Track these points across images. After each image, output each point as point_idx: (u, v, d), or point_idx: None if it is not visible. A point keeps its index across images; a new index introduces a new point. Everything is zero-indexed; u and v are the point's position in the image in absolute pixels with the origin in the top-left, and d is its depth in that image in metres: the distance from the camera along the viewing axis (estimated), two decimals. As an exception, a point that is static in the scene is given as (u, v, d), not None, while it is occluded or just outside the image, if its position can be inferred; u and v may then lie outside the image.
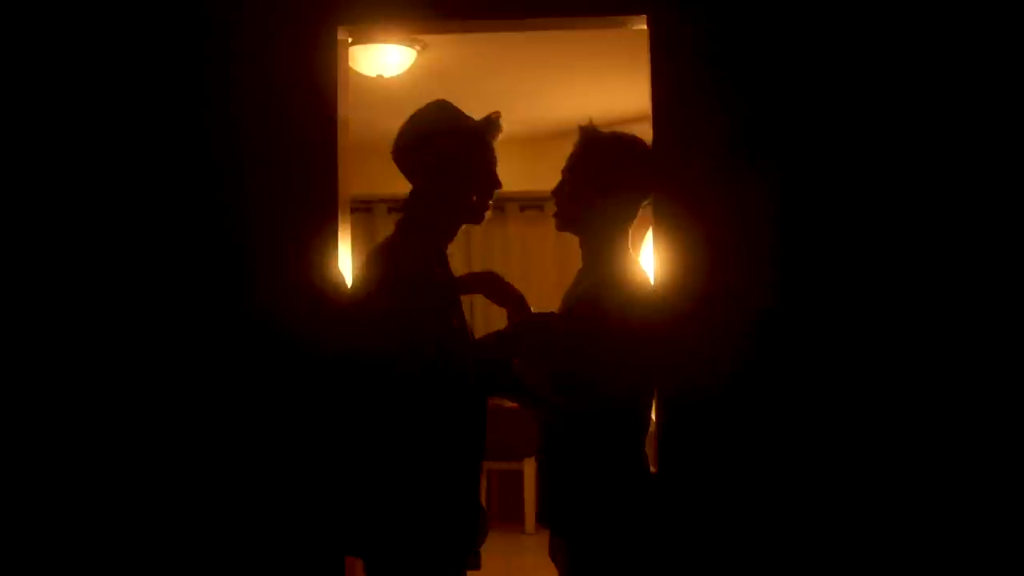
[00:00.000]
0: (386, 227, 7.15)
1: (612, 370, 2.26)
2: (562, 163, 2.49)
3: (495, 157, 2.45)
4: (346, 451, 2.35)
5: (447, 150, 2.40)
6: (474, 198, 2.43)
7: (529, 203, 6.89)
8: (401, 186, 2.47)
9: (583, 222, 2.46)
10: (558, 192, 2.48)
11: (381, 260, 2.33)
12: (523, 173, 5.22)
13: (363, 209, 7.03)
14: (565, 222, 2.49)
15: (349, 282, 2.43)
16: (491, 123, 2.44)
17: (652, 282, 2.36)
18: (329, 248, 2.38)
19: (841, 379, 2.20)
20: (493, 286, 2.54)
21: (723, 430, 2.23)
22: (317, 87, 2.41)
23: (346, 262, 2.44)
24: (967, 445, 2.14)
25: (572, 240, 2.53)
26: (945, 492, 2.15)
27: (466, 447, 2.37)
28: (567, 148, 2.48)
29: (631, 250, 2.44)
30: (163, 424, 2.34)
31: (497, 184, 2.45)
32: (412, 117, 2.49)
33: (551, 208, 2.55)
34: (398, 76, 4.30)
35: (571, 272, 2.60)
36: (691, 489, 2.24)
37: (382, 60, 4.09)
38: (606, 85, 4.75)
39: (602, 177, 2.38)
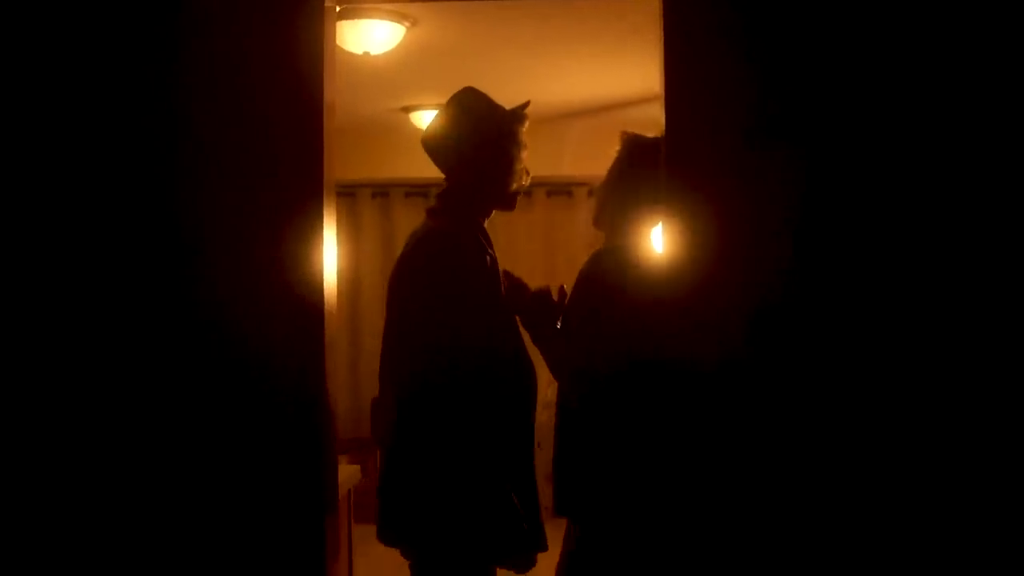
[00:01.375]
0: (370, 212, 7.05)
1: (608, 338, 2.32)
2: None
3: (525, 144, 2.54)
4: (409, 443, 2.38)
5: (481, 139, 2.48)
6: (507, 186, 2.52)
7: (555, 189, 6.74)
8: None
9: (619, 223, 2.52)
10: (601, 195, 2.59)
11: (448, 251, 2.42)
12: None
13: (347, 194, 6.88)
14: (602, 223, 2.57)
15: (334, 268, 2.31)
16: (521, 112, 2.54)
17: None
18: (315, 235, 2.21)
19: (848, 370, 2.04)
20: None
21: (725, 417, 2.08)
22: (302, 61, 2.23)
23: (331, 249, 2.28)
24: (971, 448, 2.01)
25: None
26: (945, 492, 2.01)
27: (521, 438, 2.45)
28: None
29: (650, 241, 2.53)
30: (151, 418, 2.18)
31: (527, 171, 2.55)
32: (444, 106, 2.55)
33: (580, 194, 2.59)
34: (386, 54, 4.11)
35: None
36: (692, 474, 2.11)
37: (369, 36, 3.91)
38: (609, 64, 4.58)
39: (648, 184, 2.38)
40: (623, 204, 2.52)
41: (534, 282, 2.63)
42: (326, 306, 2.23)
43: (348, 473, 3.03)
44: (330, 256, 2.27)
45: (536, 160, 2.66)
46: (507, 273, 2.56)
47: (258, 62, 2.22)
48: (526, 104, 2.57)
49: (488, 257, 2.49)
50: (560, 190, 6.76)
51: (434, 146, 2.56)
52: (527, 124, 2.57)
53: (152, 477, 2.17)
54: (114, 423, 2.17)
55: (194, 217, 2.20)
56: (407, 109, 5.45)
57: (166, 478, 2.17)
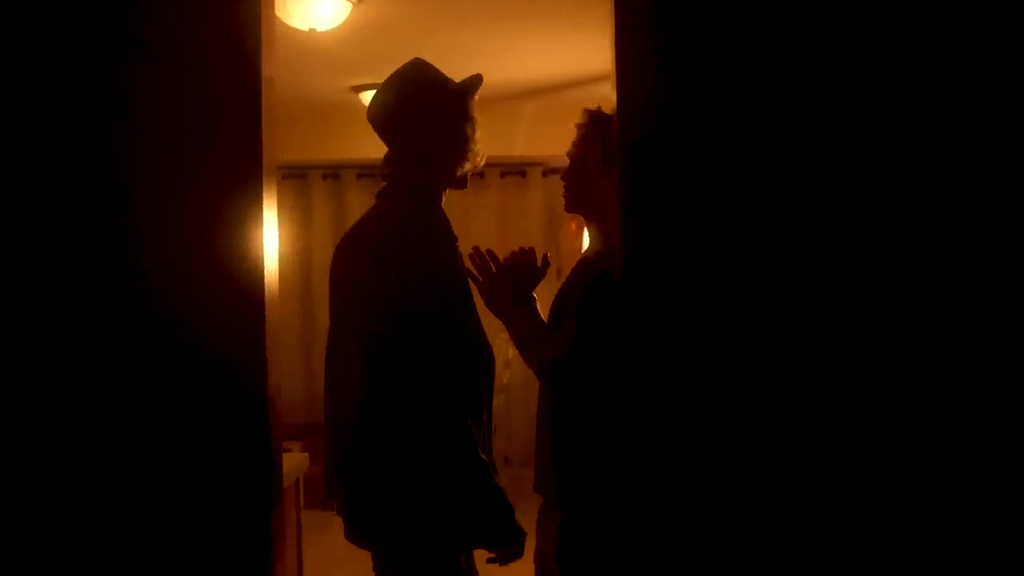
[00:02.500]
0: (321, 194, 6.94)
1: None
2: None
3: (476, 120, 2.44)
4: (371, 430, 2.31)
5: (430, 113, 2.37)
6: (459, 162, 2.41)
7: (509, 169, 6.66)
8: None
9: (593, 203, 2.47)
10: (568, 175, 2.50)
11: (414, 235, 2.32)
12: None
13: (297, 175, 6.79)
14: (575, 203, 2.51)
15: (275, 253, 2.19)
16: (473, 85, 2.42)
17: None
18: (253, 217, 2.10)
19: (826, 359, 1.96)
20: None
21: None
22: (237, 33, 2.10)
23: (272, 232, 2.18)
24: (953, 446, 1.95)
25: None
26: (931, 489, 1.94)
27: (483, 420, 2.37)
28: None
29: None
30: (81, 413, 2.06)
31: (479, 149, 2.46)
32: (390, 79, 2.43)
33: (491, 172, 2.56)
34: (332, 30, 4.01)
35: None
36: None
37: (314, 12, 3.80)
38: (562, 42, 4.52)
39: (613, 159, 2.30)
40: (598, 182, 2.44)
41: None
42: (267, 292, 2.12)
43: (297, 461, 2.95)
44: (271, 240, 2.17)
45: (489, 140, 2.57)
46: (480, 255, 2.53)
47: (190, 33, 2.09)
48: (478, 76, 2.45)
49: (454, 241, 2.41)
50: (514, 170, 6.72)
51: (380, 121, 2.44)
52: (477, 97, 2.46)
53: (86, 473, 2.06)
54: (41, 415, 2.06)
55: (124, 198, 2.08)
56: (358, 89, 5.35)
57: (100, 474, 2.06)
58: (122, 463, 2.06)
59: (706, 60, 2.02)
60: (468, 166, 2.45)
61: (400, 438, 2.30)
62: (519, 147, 6.05)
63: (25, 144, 2.07)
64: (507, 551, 2.35)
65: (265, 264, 2.12)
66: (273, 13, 2.27)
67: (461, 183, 2.49)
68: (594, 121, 2.49)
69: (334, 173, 6.73)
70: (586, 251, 2.62)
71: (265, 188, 2.14)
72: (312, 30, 3.89)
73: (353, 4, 3.88)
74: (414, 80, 2.43)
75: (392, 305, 2.33)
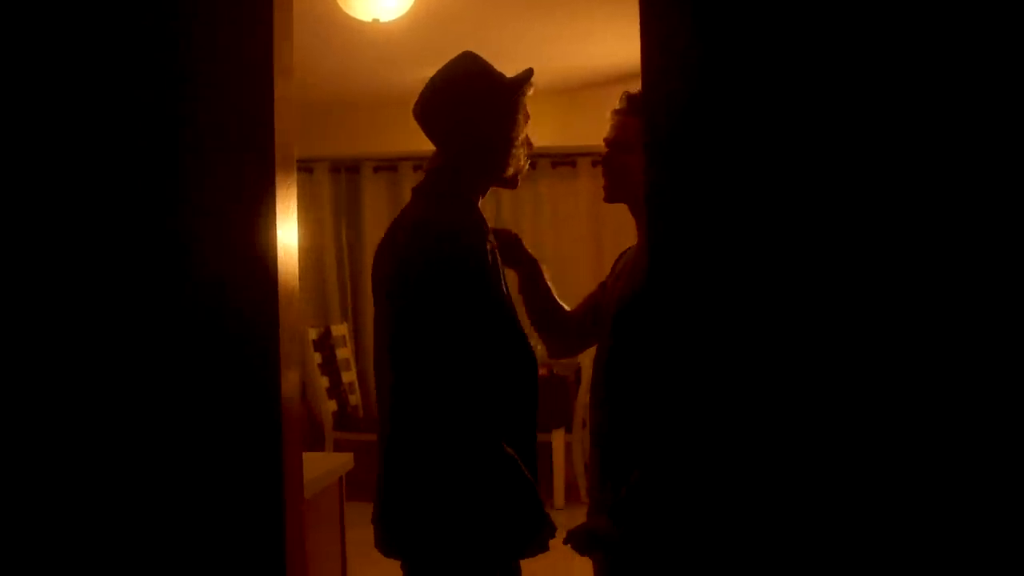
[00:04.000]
0: (330, 186, 6.96)
1: None
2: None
3: (528, 116, 2.33)
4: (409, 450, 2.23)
5: (473, 109, 2.27)
6: (505, 162, 2.31)
7: (560, 159, 6.57)
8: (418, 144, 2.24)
9: (633, 191, 2.27)
10: (607, 162, 2.36)
11: (435, 237, 2.22)
12: (547, 128, 4.91)
13: (304, 169, 6.94)
14: (615, 192, 2.37)
15: (294, 247, 2.14)
16: (525, 79, 2.30)
17: None
18: (264, 212, 2.04)
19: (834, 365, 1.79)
20: (511, 247, 2.47)
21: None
22: (249, 23, 2.06)
23: (289, 227, 2.13)
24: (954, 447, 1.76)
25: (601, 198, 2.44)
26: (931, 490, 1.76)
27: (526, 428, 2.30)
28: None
29: None
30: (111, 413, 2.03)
31: (530, 145, 2.34)
32: (438, 73, 2.34)
33: (584, 165, 2.43)
34: (396, 21, 3.95)
35: (606, 232, 2.49)
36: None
37: (377, 3, 3.75)
38: (632, 30, 4.36)
39: None
40: (639, 169, 2.32)
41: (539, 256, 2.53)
42: (281, 287, 2.07)
43: (341, 461, 2.92)
44: (286, 234, 2.12)
45: (568, 130, 2.48)
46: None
47: (205, 21, 2.05)
48: (529, 72, 2.33)
49: (490, 245, 2.29)
50: (564, 161, 6.58)
51: (426, 117, 2.36)
52: (530, 93, 2.34)
53: (94, 475, 2.04)
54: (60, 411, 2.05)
55: (141, 192, 2.06)
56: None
57: (110, 473, 2.04)
58: (132, 463, 2.04)
59: (736, 47, 1.86)
60: (513, 166, 2.35)
61: (428, 452, 2.23)
62: (572, 137, 5.88)
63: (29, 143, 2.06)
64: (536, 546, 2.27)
65: (280, 258, 2.06)
66: (290, 3, 2.21)
67: (510, 183, 2.39)
68: (634, 105, 2.34)
69: (419, 165, 6.75)
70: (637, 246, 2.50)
71: (279, 181, 2.08)
72: (375, 20, 3.84)
73: (417, -7, 3.83)
74: (459, 74, 2.33)
75: (412, 311, 2.25)
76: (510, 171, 2.34)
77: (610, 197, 2.40)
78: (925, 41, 1.75)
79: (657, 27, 1.93)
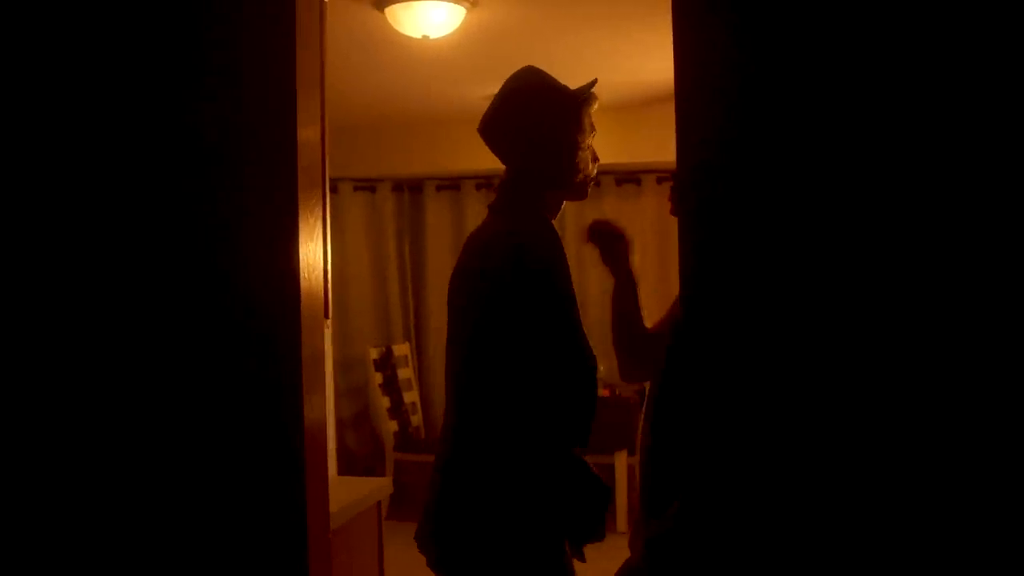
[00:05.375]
0: (474, 204, 6.92)
1: None
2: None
3: (593, 128, 2.31)
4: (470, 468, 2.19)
5: (538, 124, 2.26)
6: (573, 175, 2.28)
7: (624, 177, 6.46)
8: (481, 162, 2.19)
9: None
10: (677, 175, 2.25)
11: (502, 252, 2.19)
12: (609, 144, 4.82)
13: (366, 188, 7.02)
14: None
15: (320, 269, 2.07)
16: (589, 92, 2.27)
17: None
18: (285, 231, 1.98)
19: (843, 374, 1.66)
20: (614, 244, 2.43)
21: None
22: (274, 41, 2.01)
23: (315, 247, 2.07)
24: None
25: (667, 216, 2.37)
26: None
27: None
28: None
29: None
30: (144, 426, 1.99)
31: (596, 158, 2.32)
32: (502, 89, 2.33)
33: (649, 182, 2.37)
34: (446, 37, 3.90)
35: (671, 250, 2.45)
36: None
37: (427, 19, 3.69)
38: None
39: None
40: None
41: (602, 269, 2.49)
42: (304, 309, 2.01)
43: (379, 485, 2.86)
44: (313, 254, 2.06)
45: (631, 147, 2.41)
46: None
47: (226, 32, 2.01)
48: (593, 83, 2.29)
49: (562, 261, 2.24)
50: (629, 178, 6.46)
51: (491, 133, 2.33)
52: (595, 105, 2.30)
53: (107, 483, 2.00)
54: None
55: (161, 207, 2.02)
56: (490, 98, 5.22)
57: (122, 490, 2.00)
58: (151, 490, 1.99)
59: (772, 63, 1.74)
60: (581, 172, 2.30)
61: (493, 468, 2.16)
62: (637, 154, 5.77)
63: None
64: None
65: (304, 278, 2.00)
66: (318, 17, 2.16)
67: (579, 191, 2.34)
68: None
69: (486, 183, 6.69)
70: None
71: (302, 199, 2.02)
72: (425, 37, 3.79)
73: (467, 9, 3.75)
74: (521, 88, 2.31)
75: (484, 328, 2.20)
76: (579, 177, 2.30)
77: (676, 211, 2.34)
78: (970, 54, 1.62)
79: (690, 44, 1.83)
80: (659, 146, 6.02)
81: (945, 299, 1.61)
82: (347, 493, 2.62)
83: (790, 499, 1.67)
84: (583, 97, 2.27)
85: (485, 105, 2.37)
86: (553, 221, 2.32)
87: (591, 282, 6.09)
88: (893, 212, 1.64)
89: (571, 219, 6.24)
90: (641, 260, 6.49)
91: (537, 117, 2.27)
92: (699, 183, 1.76)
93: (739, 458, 1.71)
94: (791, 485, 1.67)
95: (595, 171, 2.34)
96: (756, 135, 1.73)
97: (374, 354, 6.41)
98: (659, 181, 6.39)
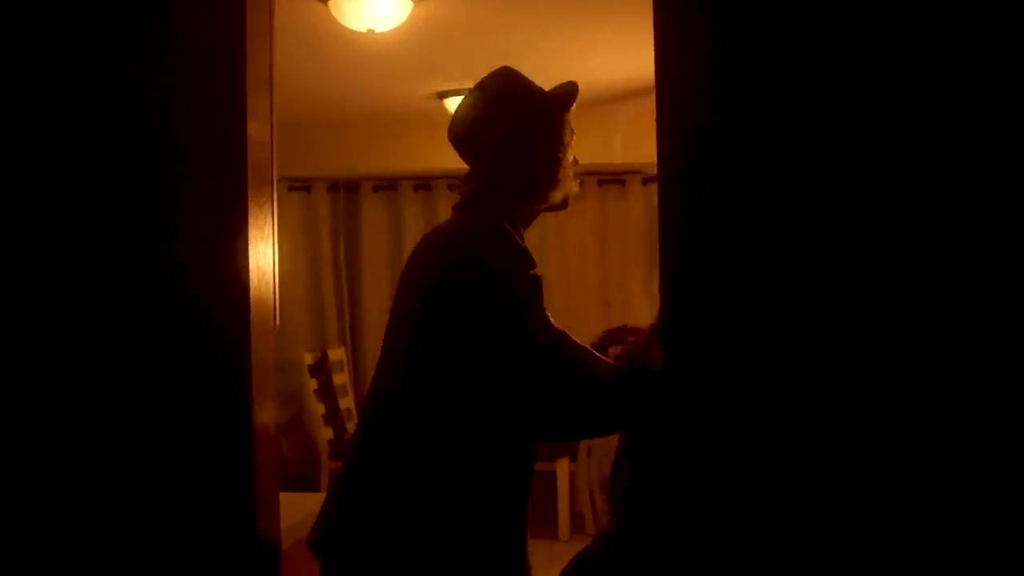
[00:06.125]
0: (412, 206, 6.78)
1: None
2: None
3: (573, 133, 2.14)
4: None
5: (516, 130, 2.09)
6: (551, 185, 2.11)
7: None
8: (429, 161, 2.04)
9: None
10: None
11: (493, 260, 2.01)
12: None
13: (302, 188, 6.75)
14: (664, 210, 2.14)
15: (268, 273, 1.95)
16: (569, 95, 2.12)
17: None
18: (234, 234, 1.85)
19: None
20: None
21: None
22: (223, 33, 1.88)
23: (264, 251, 1.94)
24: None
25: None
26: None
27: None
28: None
29: None
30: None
31: (575, 162, 2.15)
32: (473, 90, 2.14)
33: (589, 181, 2.30)
34: (393, 31, 3.77)
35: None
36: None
37: (372, 12, 3.56)
38: (641, 44, 4.16)
39: None
40: None
41: (585, 274, 2.31)
42: (254, 316, 1.88)
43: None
44: (264, 256, 1.93)
45: (585, 148, 2.27)
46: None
47: (175, 29, 1.88)
48: (574, 86, 2.13)
49: (526, 283, 2.05)
50: (612, 179, 6.39)
51: (462, 138, 2.15)
52: (573, 108, 2.15)
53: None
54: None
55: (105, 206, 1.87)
56: (442, 95, 5.11)
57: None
58: (100, 497, 1.84)
59: (755, 58, 1.66)
60: (563, 189, 2.14)
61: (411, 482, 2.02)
62: (616, 154, 5.73)
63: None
64: None
65: (253, 282, 1.87)
66: (269, 9, 2.03)
67: (561, 206, 2.19)
68: None
69: (424, 184, 6.56)
70: None
71: (251, 199, 1.89)
72: (370, 31, 3.66)
73: (414, 2, 3.63)
74: (497, 91, 2.13)
75: (433, 333, 2.05)
76: (559, 195, 2.15)
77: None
78: (963, 47, 1.56)
79: (672, 38, 1.73)
80: (601, 147, 6.03)
81: (933, 295, 1.55)
82: (295, 510, 2.48)
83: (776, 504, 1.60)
84: (563, 101, 2.13)
85: (428, 103, 2.25)
86: (526, 231, 2.17)
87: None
88: (879, 209, 1.57)
89: (551, 222, 6.11)
90: (622, 259, 6.36)
91: (516, 123, 2.10)
92: (683, 183, 1.67)
93: (732, 463, 1.62)
94: (781, 490, 1.60)
95: (578, 182, 2.18)
96: (741, 132, 1.64)
97: (309, 359, 6.24)
98: (644, 182, 6.28)
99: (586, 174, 6.46)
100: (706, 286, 1.65)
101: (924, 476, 1.55)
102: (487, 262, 2.02)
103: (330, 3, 3.60)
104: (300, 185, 6.72)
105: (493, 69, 2.17)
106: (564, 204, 2.18)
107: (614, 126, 5.60)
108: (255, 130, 1.91)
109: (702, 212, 1.65)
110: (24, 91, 1.87)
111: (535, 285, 2.04)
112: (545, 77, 2.17)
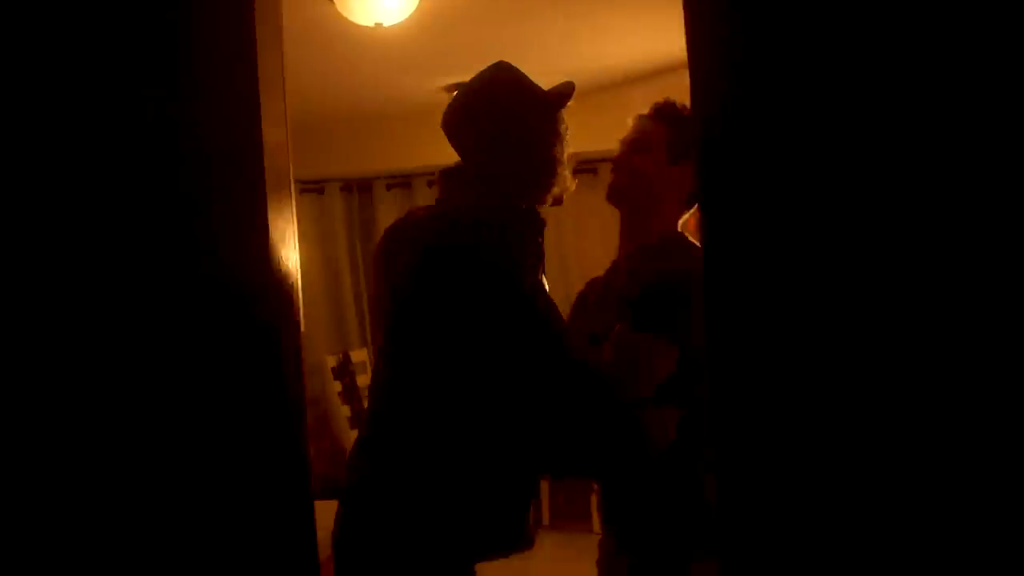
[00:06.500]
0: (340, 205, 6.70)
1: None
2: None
3: (566, 136, 2.15)
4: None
5: (520, 126, 2.08)
6: (544, 184, 2.12)
7: (581, 167, 6.31)
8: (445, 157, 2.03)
9: (642, 194, 2.24)
10: (618, 162, 2.28)
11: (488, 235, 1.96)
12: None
13: (315, 190, 6.68)
14: (620, 195, 2.27)
15: (290, 271, 1.90)
16: (564, 94, 2.12)
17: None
18: (254, 233, 1.80)
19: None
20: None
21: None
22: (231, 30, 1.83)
23: (288, 250, 1.90)
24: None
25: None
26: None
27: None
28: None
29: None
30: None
31: (568, 172, 2.16)
32: (469, 84, 2.14)
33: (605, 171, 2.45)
34: (400, 25, 3.71)
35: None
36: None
37: (379, 5, 3.51)
38: (652, 25, 4.10)
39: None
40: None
41: (602, 259, 2.42)
42: (283, 322, 1.84)
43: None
44: (287, 260, 1.89)
45: (601, 133, 2.33)
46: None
47: (183, 31, 1.83)
48: (571, 86, 2.12)
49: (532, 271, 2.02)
50: (584, 168, 6.30)
51: (455, 133, 2.14)
52: (567, 105, 2.15)
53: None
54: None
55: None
56: (451, 89, 5.05)
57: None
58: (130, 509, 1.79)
59: (787, 36, 1.59)
60: (560, 186, 2.14)
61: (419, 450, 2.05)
62: (591, 142, 5.65)
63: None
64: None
65: (273, 283, 1.83)
66: (278, 9, 1.98)
67: (556, 202, 2.18)
68: (659, 111, 2.26)
69: (404, 182, 6.55)
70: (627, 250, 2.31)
71: (270, 201, 1.84)
72: (378, 25, 3.60)
73: (421, -5, 3.58)
74: (494, 88, 2.11)
75: (416, 310, 2.07)
76: (556, 192, 2.14)
77: (614, 197, 2.27)
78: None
79: (704, 20, 1.67)
80: (614, 134, 5.95)
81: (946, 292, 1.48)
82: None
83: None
84: (561, 100, 2.12)
85: (438, 97, 2.24)
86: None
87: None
88: (924, 203, 1.50)
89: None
90: (598, 250, 6.32)
91: (513, 121, 2.09)
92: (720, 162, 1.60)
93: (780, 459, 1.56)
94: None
95: (574, 181, 2.18)
96: (777, 107, 1.58)
97: (332, 362, 6.20)
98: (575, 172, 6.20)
99: (600, 160, 6.43)
100: (745, 256, 1.58)
101: (959, 490, 1.49)
102: (497, 252, 1.97)
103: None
104: (313, 187, 6.67)
105: (501, 57, 2.16)
106: (560, 201, 2.17)
107: (629, 110, 5.52)
108: (270, 134, 1.87)
109: (741, 190, 1.59)
110: (46, 101, 1.83)
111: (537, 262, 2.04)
112: (556, 66, 2.15)
